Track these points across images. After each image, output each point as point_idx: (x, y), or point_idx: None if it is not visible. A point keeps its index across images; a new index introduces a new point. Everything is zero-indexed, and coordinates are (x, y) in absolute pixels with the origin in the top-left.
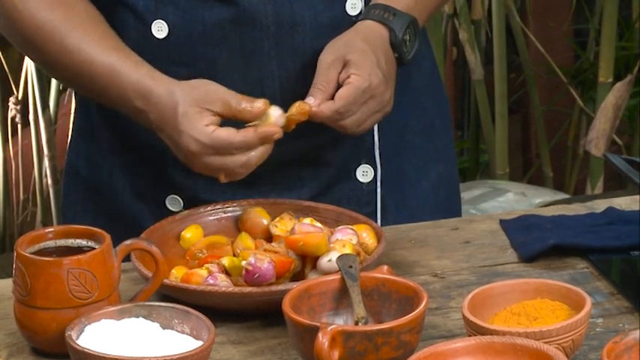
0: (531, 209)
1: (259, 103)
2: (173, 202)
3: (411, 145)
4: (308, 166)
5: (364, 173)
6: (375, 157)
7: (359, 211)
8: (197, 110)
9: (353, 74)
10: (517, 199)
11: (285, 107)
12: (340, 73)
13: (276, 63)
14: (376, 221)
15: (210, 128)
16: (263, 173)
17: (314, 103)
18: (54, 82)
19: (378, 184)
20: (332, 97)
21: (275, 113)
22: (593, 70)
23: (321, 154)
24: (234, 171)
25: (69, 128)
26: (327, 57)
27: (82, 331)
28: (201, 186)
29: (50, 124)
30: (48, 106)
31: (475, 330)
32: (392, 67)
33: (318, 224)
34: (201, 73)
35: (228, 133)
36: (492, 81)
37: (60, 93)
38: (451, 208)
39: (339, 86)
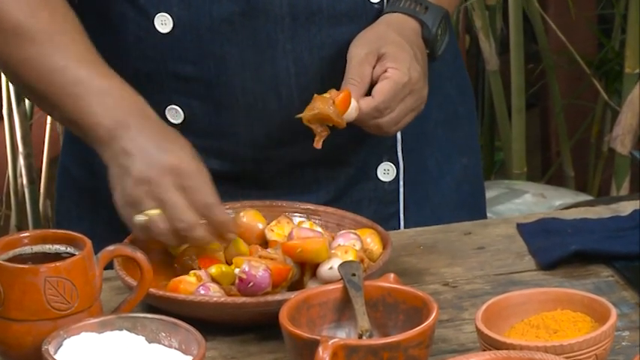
0: (551, 212)
1: (232, 236)
2: None
3: (433, 137)
4: (324, 166)
5: (385, 172)
6: (397, 154)
7: (381, 212)
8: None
9: (391, 68)
10: (535, 201)
11: (302, 106)
12: (374, 67)
13: (292, 58)
14: (399, 222)
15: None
16: (276, 175)
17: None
18: None
19: (401, 182)
20: (366, 94)
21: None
22: (619, 60)
23: (338, 154)
24: (173, 221)
25: (46, 123)
26: (359, 50)
27: (60, 345)
28: None
29: (26, 118)
30: (23, 100)
31: (490, 344)
32: (425, 63)
33: (318, 228)
34: (210, 71)
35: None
36: (508, 72)
37: None
38: (476, 204)
39: (372, 82)
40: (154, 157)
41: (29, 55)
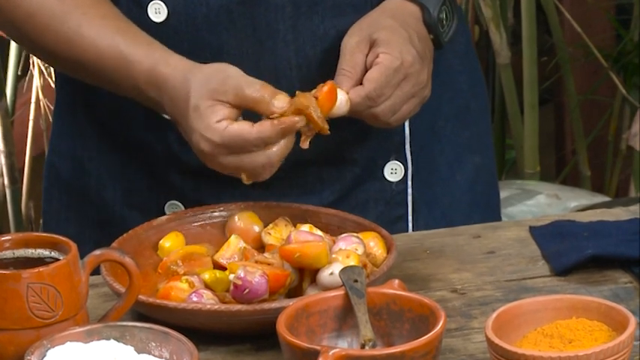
0: (566, 214)
1: (279, 103)
2: (174, 210)
3: (444, 133)
4: (329, 165)
5: (393, 171)
6: (405, 152)
7: (388, 214)
8: (209, 104)
9: (382, 53)
10: (549, 203)
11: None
12: (367, 55)
13: (294, 49)
14: (407, 225)
15: (222, 124)
16: (277, 175)
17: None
18: (11, 66)
19: (409, 182)
20: (360, 84)
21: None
22: (638, 52)
23: (343, 152)
24: (256, 171)
25: (29, 120)
26: (351, 39)
27: (43, 355)
28: (207, 190)
29: (7, 115)
30: (4, 95)
31: (501, 354)
32: (427, 48)
33: (318, 232)
34: (206, 62)
35: (241, 128)
36: (520, 65)
37: (18, 79)
38: (489, 206)
39: (366, 71)
40: (194, 150)
41: (49, 41)
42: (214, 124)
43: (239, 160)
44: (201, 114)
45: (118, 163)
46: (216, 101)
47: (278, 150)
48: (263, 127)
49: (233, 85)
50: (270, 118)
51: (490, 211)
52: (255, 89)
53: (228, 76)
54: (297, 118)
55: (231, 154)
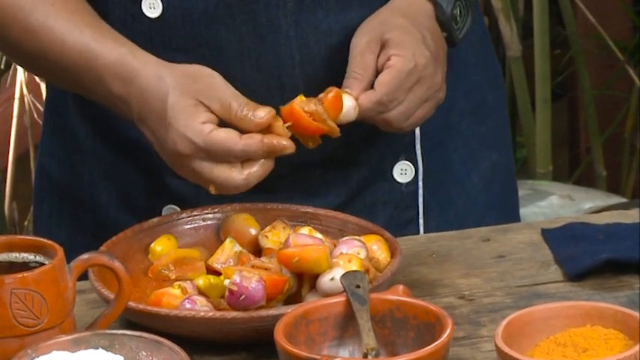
0: (580, 216)
1: (262, 112)
2: None
3: (458, 130)
4: (335, 167)
5: (403, 171)
6: (416, 151)
7: (397, 217)
8: (192, 103)
9: (394, 55)
10: (562, 204)
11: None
12: (378, 56)
13: (296, 45)
14: (418, 228)
15: (207, 127)
16: (281, 178)
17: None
18: None
19: (420, 183)
20: (371, 87)
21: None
22: None
23: (350, 153)
24: (228, 188)
25: (12, 117)
26: (361, 39)
27: None
28: (206, 194)
29: None
30: None
31: None
32: (441, 47)
33: (318, 235)
34: (204, 60)
35: (228, 137)
36: (532, 59)
37: (1, 73)
38: (506, 205)
39: (378, 73)
40: (163, 151)
41: (14, 32)
42: (199, 124)
43: (215, 170)
44: (183, 112)
45: (112, 164)
46: (199, 102)
47: (259, 170)
48: (251, 141)
49: (220, 94)
50: (262, 133)
51: (507, 213)
52: (242, 105)
53: (214, 82)
54: (286, 143)
55: (209, 160)
